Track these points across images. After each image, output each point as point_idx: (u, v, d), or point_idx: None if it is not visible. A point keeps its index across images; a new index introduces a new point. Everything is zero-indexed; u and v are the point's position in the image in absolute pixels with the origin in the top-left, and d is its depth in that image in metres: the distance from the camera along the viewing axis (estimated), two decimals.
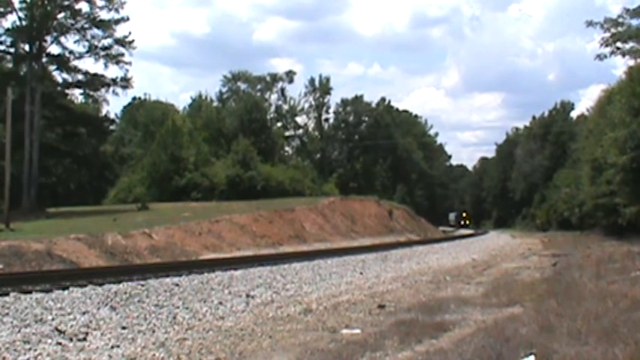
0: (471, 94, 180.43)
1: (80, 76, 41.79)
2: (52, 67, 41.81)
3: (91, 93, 44.00)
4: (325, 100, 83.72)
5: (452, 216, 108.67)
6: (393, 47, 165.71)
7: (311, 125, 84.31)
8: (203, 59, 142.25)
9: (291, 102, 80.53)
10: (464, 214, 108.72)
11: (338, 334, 7.86)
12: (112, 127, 53.85)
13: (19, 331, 7.56)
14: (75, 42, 40.81)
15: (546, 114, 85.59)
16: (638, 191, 32.35)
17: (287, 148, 78.86)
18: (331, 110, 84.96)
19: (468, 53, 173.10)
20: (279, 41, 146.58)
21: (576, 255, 21.48)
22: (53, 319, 8.34)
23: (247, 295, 11.41)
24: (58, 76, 42.60)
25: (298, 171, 61.88)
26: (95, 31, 40.42)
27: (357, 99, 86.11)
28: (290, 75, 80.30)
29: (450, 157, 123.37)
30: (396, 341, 7.10)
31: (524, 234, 62.06)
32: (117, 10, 39.89)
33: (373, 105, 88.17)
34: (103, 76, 41.78)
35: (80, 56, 41.08)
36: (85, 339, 7.45)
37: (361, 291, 12.61)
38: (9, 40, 39.57)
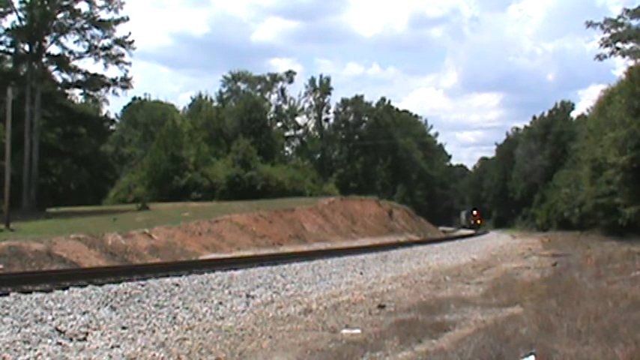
0: (470, 94, 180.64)
1: (80, 76, 41.89)
2: (52, 67, 41.85)
3: (91, 93, 44.04)
4: (325, 100, 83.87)
5: (463, 215, 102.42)
6: (392, 47, 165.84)
7: (311, 125, 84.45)
8: (202, 59, 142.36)
9: (291, 102, 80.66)
10: (474, 213, 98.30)
11: (338, 334, 7.86)
12: (112, 127, 53.90)
13: (19, 331, 7.55)
14: (75, 42, 40.99)
15: (546, 114, 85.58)
16: (638, 191, 32.35)
17: (287, 148, 78.93)
18: (331, 110, 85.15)
19: (468, 53, 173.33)
20: (278, 41, 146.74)
21: (576, 255, 21.48)
22: (53, 319, 8.34)
23: (247, 295, 11.41)
24: (58, 76, 42.72)
25: (298, 171, 61.84)
26: (95, 31, 40.55)
27: (357, 99, 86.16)
28: (290, 75, 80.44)
29: (449, 157, 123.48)
30: (396, 341, 7.10)
31: (524, 234, 62.05)
32: (116, 10, 40.02)
33: (373, 105, 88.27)
34: (103, 76, 41.88)
35: (80, 56, 41.19)
36: (85, 339, 7.45)
37: (361, 291, 12.61)
38: (9, 40, 39.65)
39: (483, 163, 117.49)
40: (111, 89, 42.05)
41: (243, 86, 77.42)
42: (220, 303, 10.48)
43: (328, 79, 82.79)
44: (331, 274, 15.71)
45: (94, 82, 41.84)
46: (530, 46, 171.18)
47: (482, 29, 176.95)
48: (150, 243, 21.84)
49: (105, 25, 40.26)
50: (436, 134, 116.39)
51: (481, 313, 9.28)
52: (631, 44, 36.23)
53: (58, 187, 51.91)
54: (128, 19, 40.77)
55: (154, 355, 6.73)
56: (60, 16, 39.90)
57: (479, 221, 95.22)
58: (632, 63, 36.33)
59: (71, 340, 7.37)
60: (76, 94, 47.29)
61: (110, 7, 39.76)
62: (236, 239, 27.32)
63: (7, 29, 38.88)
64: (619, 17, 36.51)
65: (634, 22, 36.22)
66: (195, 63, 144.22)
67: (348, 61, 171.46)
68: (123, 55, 40.91)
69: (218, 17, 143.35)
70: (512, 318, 8.42)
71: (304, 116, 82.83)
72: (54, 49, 40.71)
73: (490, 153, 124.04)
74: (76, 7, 39.93)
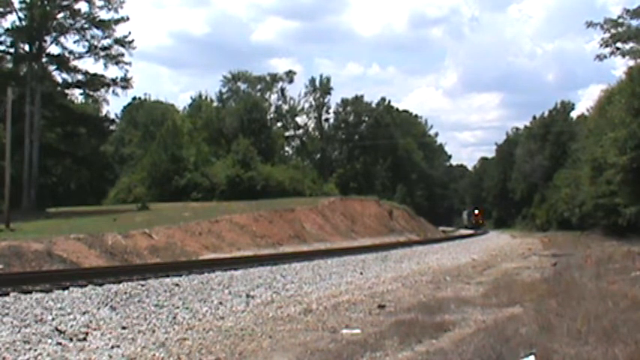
0: (470, 94, 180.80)
1: (80, 76, 41.92)
2: (52, 67, 41.85)
3: (91, 93, 44.08)
4: (325, 100, 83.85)
5: (465, 215, 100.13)
6: (392, 47, 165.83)
7: (311, 125, 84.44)
8: (202, 59, 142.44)
9: (291, 102, 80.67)
10: (476, 212, 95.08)
11: (338, 334, 7.86)
12: (112, 127, 53.91)
13: (19, 331, 7.55)
14: (75, 42, 41.06)
15: (546, 114, 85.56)
16: (638, 191, 32.36)
17: (287, 148, 78.99)
18: (331, 110, 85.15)
19: (468, 53, 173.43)
20: (278, 41, 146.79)
21: (576, 255, 21.47)
22: (53, 319, 8.34)
23: (247, 295, 11.40)
24: (58, 76, 42.75)
25: (298, 171, 61.88)
26: (95, 31, 40.58)
27: (357, 99, 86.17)
28: (290, 75, 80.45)
29: (449, 157, 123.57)
30: (396, 341, 7.10)
31: (524, 234, 62.02)
32: (116, 10, 40.09)
33: (373, 105, 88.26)
34: (103, 76, 41.91)
35: (80, 56, 41.23)
36: (85, 339, 7.44)
37: (361, 291, 12.60)
38: (9, 40, 39.68)
39: (483, 163, 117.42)
40: (111, 89, 42.14)
41: (243, 86, 77.51)
42: (220, 303, 10.47)
43: (328, 79, 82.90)
44: (331, 274, 15.71)
45: (94, 82, 41.85)
46: (530, 46, 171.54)
47: (482, 29, 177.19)
48: (150, 243, 21.84)
49: (105, 25, 40.27)
50: (436, 134, 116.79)
51: (481, 313, 9.28)
52: (631, 44, 36.20)
53: (58, 187, 52.03)
54: (128, 18, 40.88)
55: (154, 355, 6.73)
56: (60, 16, 39.93)
57: (481, 221, 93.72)
58: (632, 63, 36.37)
59: (71, 340, 7.36)
60: (76, 94, 47.44)
61: (110, 6, 39.84)
62: (236, 239, 27.32)
63: (7, 29, 38.97)
64: (619, 17, 36.50)
65: (634, 22, 36.22)
66: (195, 63, 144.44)
67: (348, 61, 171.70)
68: (123, 55, 41.01)
69: (218, 17, 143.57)
70: (513, 318, 8.42)
71: (304, 116, 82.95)
72: (54, 49, 40.81)
73: (490, 153, 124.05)
74: (76, 7, 40.04)
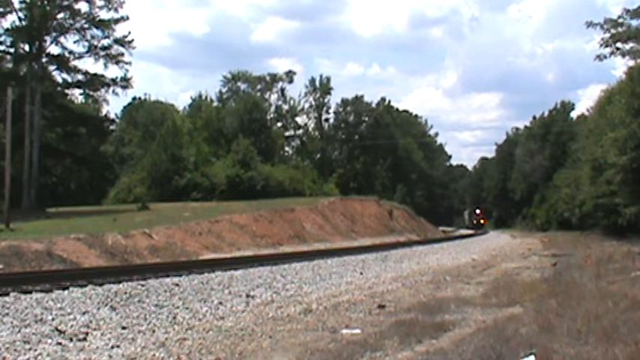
0: (469, 94, 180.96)
1: (80, 76, 41.89)
2: (52, 67, 41.84)
3: (91, 93, 44.05)
4: (325, 100, 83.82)
5: (466, 214, 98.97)
6: (392, 47, 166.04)
7: (311, 125, 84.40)
8: (202, 59, 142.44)
9: (291, 102, 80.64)
10: (477, 212, 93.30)
11: (338, 334, 7.86)
12: (112, 127, 53.91)
13: (19, 331, 7.55)
14: (75, 42, 41.06)
15: (546, 114, 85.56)
16: (638, 191, 32.35)
17: (287, 148, 78.96)
18: (331, 110, 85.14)
19: (467, 53, 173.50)
20: (278, 41, 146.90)
21: (576, 255, 21.47)
22: (53, 319, 8.33)
23: (247, 295, 11.41)
24: (58, 76, 42.73)
25: (298, 171, 61.91)
26: (95, 31, 40.58)
27: (357, 99, 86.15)
28: (290, 75, 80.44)
29: (449, 157, 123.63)
30: (396, 341, 7.10)
31: (524, 234, 62.05)
32: (116, 10, 40.05)
33: (373, 105, 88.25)
34: (102, 76, 41.87)
35: (80, 56, 41.21)
36: (85, 339, 7.45)
37: (361, 291, 12.61)
38: (9, 40, 39.66)
39: (483, 163, 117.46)
40: (111, 89, 42.10)
41: (243, 86, 77.50)
42: (220, 303, 10.47)
43: (328, 79, 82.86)
44: (331, 274, 15.71)
45: (94, 82, 41.82)
46: (530, 46, 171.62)
47: (482, 29, 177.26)
48: (150, 243, 21.84)
49: (105, 25, 40.26)
50: (436, 134, 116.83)
51: (481, 313, 9.28)
52: (631, 44, 36.21)
53: (58, 187, 52.03)
54: (128, 18, 40.88)
55: (154, 355, 6.73)
56: (60, 16, 39.92)
57: (482, 220, 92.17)
58: (632, 63, 36.36)
59: (71, 340, 7.36)
60: (76, 94, 47.41)
61: (110, 6, 39.82)
62: (236, 239, 27.32)
63: (7, 29, 38.94)
64: (619, 17, 36.52)
65: (634, 22, 36.23)
66: (195, 63, 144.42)
67: (348, 61, 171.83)
68: (123, 54, 40.99)
69: (218, 17, 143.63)
70: (512, 318, 8.42)
71: (304, 116, 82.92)
72: (54, 49, 40.80)
73: (490, 153, 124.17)
74: (76, 7, 40.02)
